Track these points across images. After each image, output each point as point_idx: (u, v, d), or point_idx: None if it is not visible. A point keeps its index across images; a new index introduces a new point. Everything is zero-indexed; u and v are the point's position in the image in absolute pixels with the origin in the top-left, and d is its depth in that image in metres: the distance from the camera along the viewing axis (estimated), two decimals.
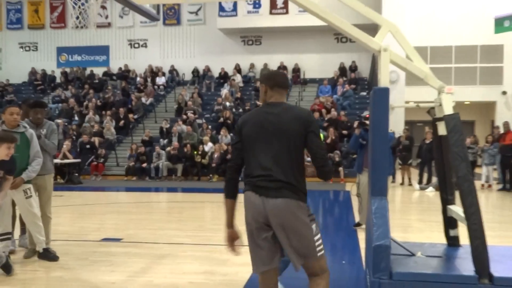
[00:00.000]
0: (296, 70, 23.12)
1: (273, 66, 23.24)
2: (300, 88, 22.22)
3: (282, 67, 22.92)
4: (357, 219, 7.96)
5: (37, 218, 5.48)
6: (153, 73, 23.93)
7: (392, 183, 14.59)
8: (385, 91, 4.14)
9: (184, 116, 19.47)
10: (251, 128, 3.00)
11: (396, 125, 17.76)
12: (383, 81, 4.18)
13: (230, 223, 3.12)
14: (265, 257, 2.93)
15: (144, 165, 16.83)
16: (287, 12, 22.47)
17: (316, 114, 18.09)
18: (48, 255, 5.59)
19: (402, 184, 14.84)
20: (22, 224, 6.40)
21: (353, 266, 5.49)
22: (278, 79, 3.16)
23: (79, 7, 4.55)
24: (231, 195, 3.08)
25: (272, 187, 2.88)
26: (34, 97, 22.78)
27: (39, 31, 25.54)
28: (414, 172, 15.46)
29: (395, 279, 3.64)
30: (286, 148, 2.93)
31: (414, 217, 8.93)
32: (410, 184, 14.61)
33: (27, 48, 25.77)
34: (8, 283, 4.78)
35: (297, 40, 23.38)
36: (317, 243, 2.95)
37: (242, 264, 5.42)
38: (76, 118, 20.39)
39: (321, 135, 4.03)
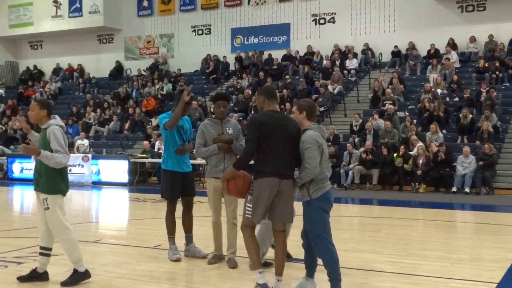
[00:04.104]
0: None
1: (503, 38, 21.73)
2: None
3: None
4: None
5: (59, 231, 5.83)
6: (342, 54, 24.18)
7: None
8: None
9: (382, 108, 19.32)
10: (270, 129, 5.19)
11: None
12: None
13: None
14: (262, 214, 5.33)
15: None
16: None
17: None
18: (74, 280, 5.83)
19: None
20: (187, 232, 7.17)
21: None
22: (273, 93, 5.65)
23: None
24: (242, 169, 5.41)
25: (285, 174, 5.24)
26: (207, 88, 24.83)
27: (213, 11, 27.68)
28: None
29: None
30: (292, 148, 5.25)
31: None
32: None
33: (200, 32, 28.14)
34: None
35: None
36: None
37: None
38: (253, 111, 21.63)
39: None
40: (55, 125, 5.84)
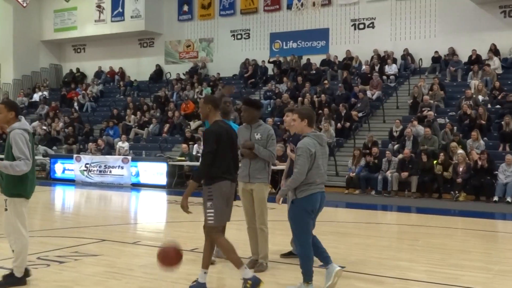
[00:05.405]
0: None
1: None
2: None
3: None
4: None
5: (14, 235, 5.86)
6: (382, 59, 23.97)
7: None
8: None
9: (420, 115, 19.08)
10: (225, 139, 5.72)
11: None
12: None
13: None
14: (228, 216, 5.89)
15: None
16: None
17: None
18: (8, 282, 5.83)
19: None
20: None
21: None
22: (219, 103, 6.10)
23: None
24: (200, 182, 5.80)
25: (236, 178, 6.06)
26: (245, 92, 24.91)
27: (252, 16, 27.77)
28: None
29: None
30: (236, 153, 6.05)
31: None
32: None
33: (239, 36, 28.27)
34: None
35: None
36: None
37: None
38: None
39: None
40: (18, 129, 5.74)
